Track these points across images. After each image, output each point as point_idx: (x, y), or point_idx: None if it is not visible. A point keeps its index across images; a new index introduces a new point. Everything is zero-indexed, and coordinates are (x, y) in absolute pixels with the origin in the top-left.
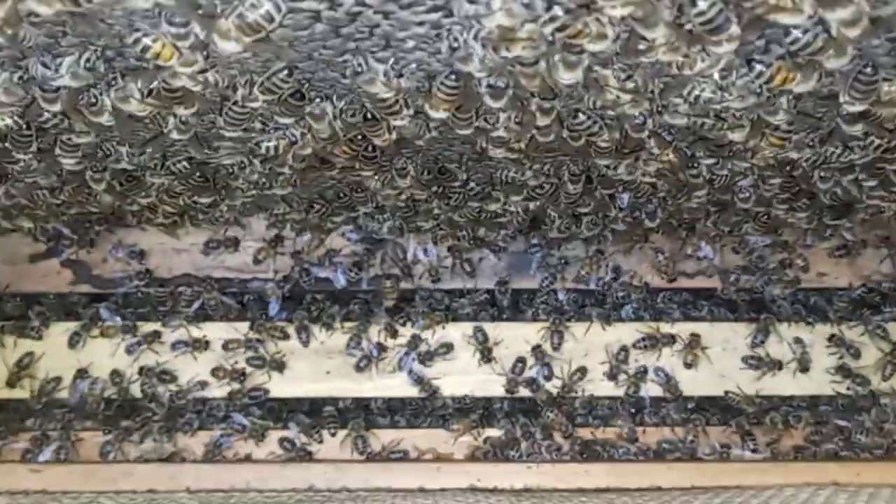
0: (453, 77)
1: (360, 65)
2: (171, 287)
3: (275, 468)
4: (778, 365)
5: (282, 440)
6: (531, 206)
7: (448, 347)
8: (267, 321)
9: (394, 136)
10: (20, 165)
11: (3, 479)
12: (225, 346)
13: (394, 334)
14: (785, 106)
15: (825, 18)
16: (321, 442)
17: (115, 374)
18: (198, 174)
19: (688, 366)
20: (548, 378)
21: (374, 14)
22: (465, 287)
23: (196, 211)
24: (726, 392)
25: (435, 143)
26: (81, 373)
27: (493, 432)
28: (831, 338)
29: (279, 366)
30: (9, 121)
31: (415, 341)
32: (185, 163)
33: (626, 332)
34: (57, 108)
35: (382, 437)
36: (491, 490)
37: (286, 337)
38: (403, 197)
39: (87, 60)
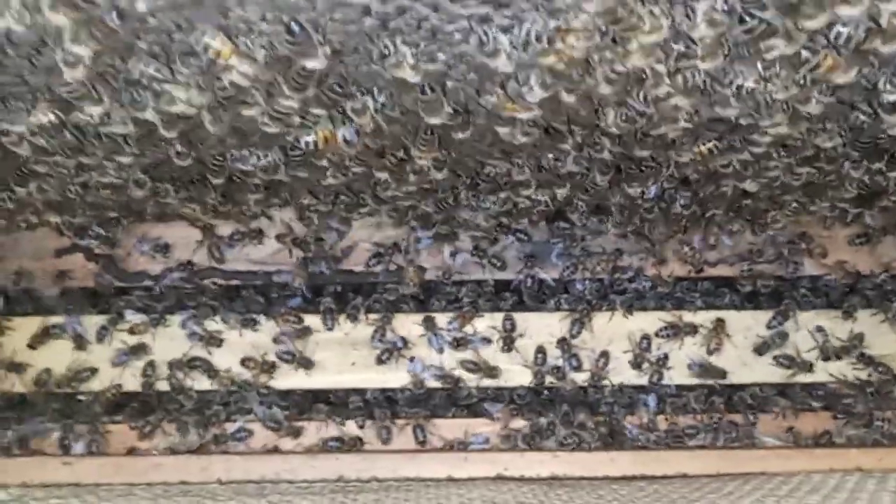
0: None
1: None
2: (197, 280)
3: (304, 459)
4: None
5: (327, 440)
6: (559, 194)
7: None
8: (282, 309)
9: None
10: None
11: (36, 471)
12: (276, 340)
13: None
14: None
15: (879, 9)
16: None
17: (149, 365)
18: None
19: (710, 352)
20: (576, 369)
21: (424, 7)
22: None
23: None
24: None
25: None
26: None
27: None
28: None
29: (307, 363)
30: (52, 116)
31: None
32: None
33: (649, 322)
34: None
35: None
36: (519, 479)
37: (301, 321)
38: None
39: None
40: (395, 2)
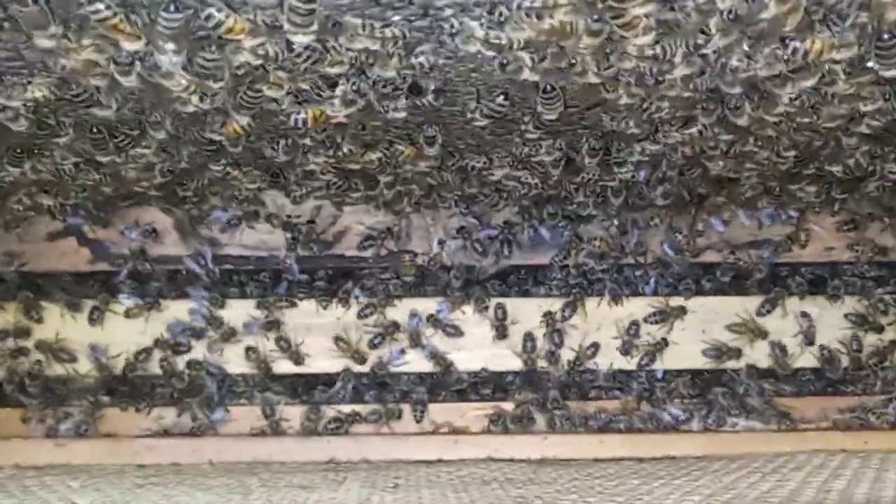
0: None
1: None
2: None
3: (296, 441)
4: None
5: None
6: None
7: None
8: (273, 296)
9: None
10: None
11: (28, 454)
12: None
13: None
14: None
15: None
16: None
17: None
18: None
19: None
20: (558, 345)
21: None
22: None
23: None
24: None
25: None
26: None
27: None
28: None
29: (299, 359)
30: (46, 92)
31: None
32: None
33: (638, 307)
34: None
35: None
36: (509, 460)
37: (294, 305)
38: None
39: None
40: None
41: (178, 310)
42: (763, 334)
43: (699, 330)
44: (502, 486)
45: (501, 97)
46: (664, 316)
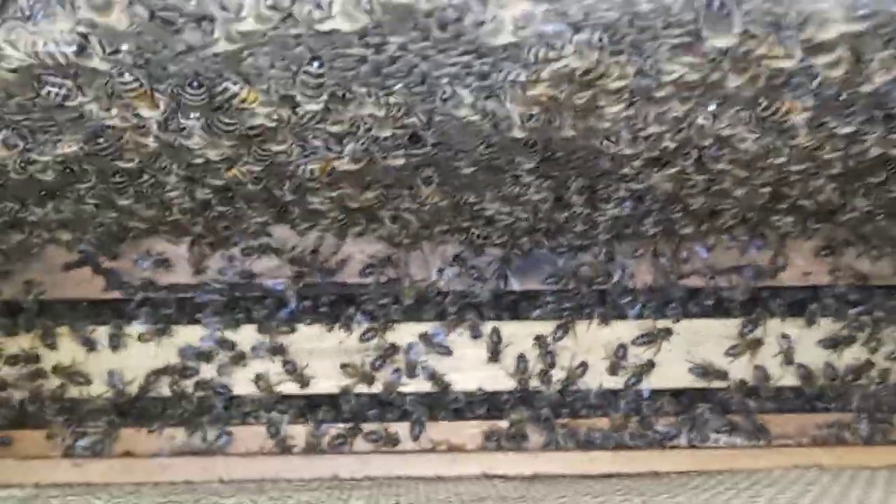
0: None
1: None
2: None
3: (302, 459)
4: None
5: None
6: (541, 209)
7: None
8: (273, 322)
9: None
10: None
11: (48, 473)
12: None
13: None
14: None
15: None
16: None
17: (153, 373)
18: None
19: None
20: (551, 366)
21: (414, 57)
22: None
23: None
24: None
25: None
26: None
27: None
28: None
29: (304, 382)
30: (75, 147)
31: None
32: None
33: (626, 330)
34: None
35: (401, 430)
36: (502, 477)
37: (293, 330)
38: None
39: None
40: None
41: (188, 335)
42: (758, 344)
43: (684, 350)
44: (497, 503)
45: (483, 146)
46: (651, 338)
